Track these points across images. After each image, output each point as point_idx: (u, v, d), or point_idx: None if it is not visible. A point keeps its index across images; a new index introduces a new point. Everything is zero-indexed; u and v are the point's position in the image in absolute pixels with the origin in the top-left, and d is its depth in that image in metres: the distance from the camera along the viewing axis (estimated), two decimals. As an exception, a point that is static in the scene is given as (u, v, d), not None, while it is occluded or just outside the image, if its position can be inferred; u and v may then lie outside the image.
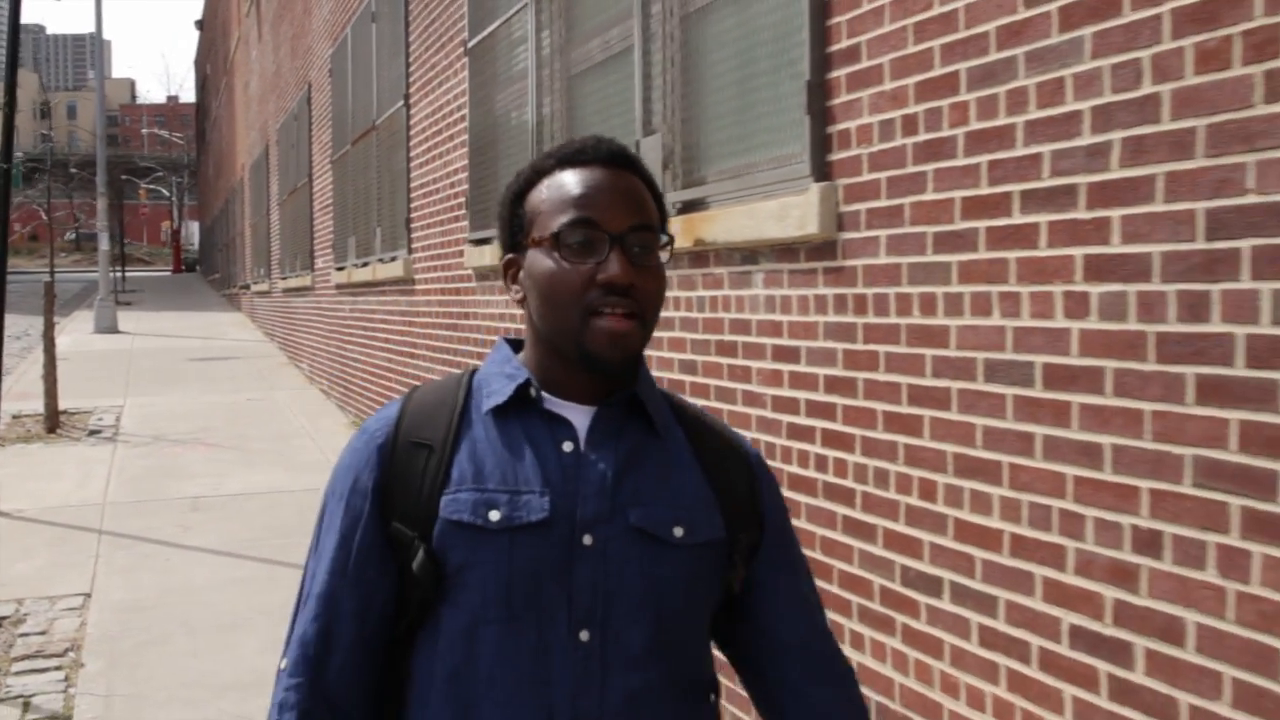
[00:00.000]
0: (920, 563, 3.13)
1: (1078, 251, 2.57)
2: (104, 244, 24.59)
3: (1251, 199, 2.17)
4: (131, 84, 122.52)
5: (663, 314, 1.53)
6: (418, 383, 6.23)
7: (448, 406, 1.60)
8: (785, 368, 3.73)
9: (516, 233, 1.60)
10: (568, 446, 1.55)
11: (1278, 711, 2.16)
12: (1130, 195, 2.43)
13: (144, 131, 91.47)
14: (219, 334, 22.97)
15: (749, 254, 3.92)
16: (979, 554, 2.91)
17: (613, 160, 1.58)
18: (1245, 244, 2.19)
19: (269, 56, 20.56)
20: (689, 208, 4.42)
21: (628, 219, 1.52)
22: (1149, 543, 2.42)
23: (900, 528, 3.20)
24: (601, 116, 5.38)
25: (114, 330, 22.61)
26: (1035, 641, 2.74)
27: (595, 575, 1.51)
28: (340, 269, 12.65)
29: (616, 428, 1.58)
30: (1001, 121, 2.78)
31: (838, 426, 3.47)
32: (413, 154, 9.11)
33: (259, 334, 22.68)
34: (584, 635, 1.50)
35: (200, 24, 45.04)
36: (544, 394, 1.58)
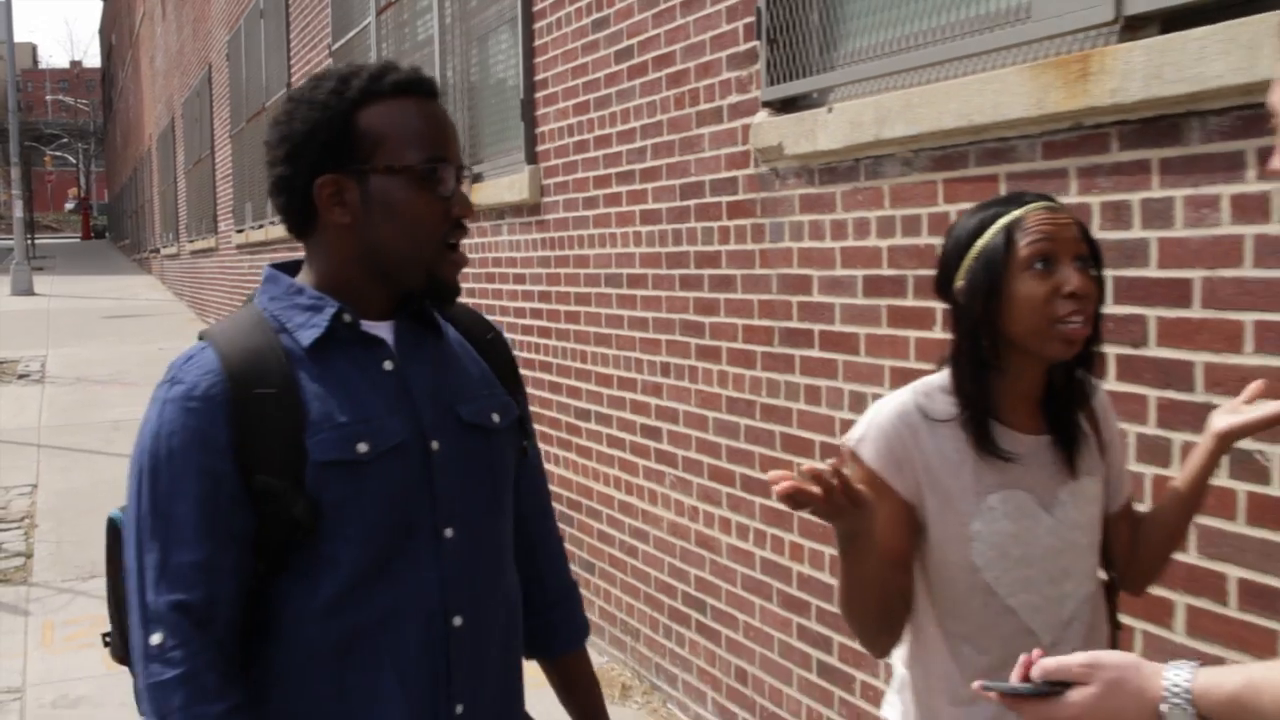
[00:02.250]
0: (580, 401, 5.05)
1: (638, 208, 4.49)
2: (19, 211, 25.89)
3: (692, 179, 4.10)
4: (33, 48, 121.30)
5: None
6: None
7: (270, 349, 1.57)
8: (519, 288, 5.63)
9: (344, 152, 1.57)
10: (388, 365, 1.62)
11: (684, 442, 4.10)
12: (657, 175, 4.35)
13: (48, 98, 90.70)
14: (131, 295, 24.44)
15: (499, 213, 5.81)
16: (602, 390, 4.84)
17: (434, 93, 1.63)
18: (691, 203, 4.11)
19: (173, 35, 22.02)
20: (475, 180, 6.28)
21: (458, 155, 1.61)
22: (665, 370, 4.36)
23: (572, 381, 5.13)
24: (422, 111, 7.22)
25: (30, 293, 23.94)
26: (607, 432, 4.68)
27: (451, 476, 1.62)
28: (240, 231, 14.35)
29: (417, 337, 1.67)
30: (607, 131, 4.69)
31: (544, 323, 5.38)
32: (295, 133, 10.87)
33: (169, 294, 24.19)
34: (448, 533, 1.61)
35: (105, -6, 45.74)
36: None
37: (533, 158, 5.37)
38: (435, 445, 1.61)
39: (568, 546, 2.77)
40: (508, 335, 2.06)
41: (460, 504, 1.63)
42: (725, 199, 3.91)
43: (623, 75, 4.55)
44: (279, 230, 11.50)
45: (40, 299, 23.13)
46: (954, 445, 1.82)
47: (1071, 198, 2.56)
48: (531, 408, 1.93)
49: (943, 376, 1.86)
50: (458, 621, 1.61)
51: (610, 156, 4.67)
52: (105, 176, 61.66)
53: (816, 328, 3.49)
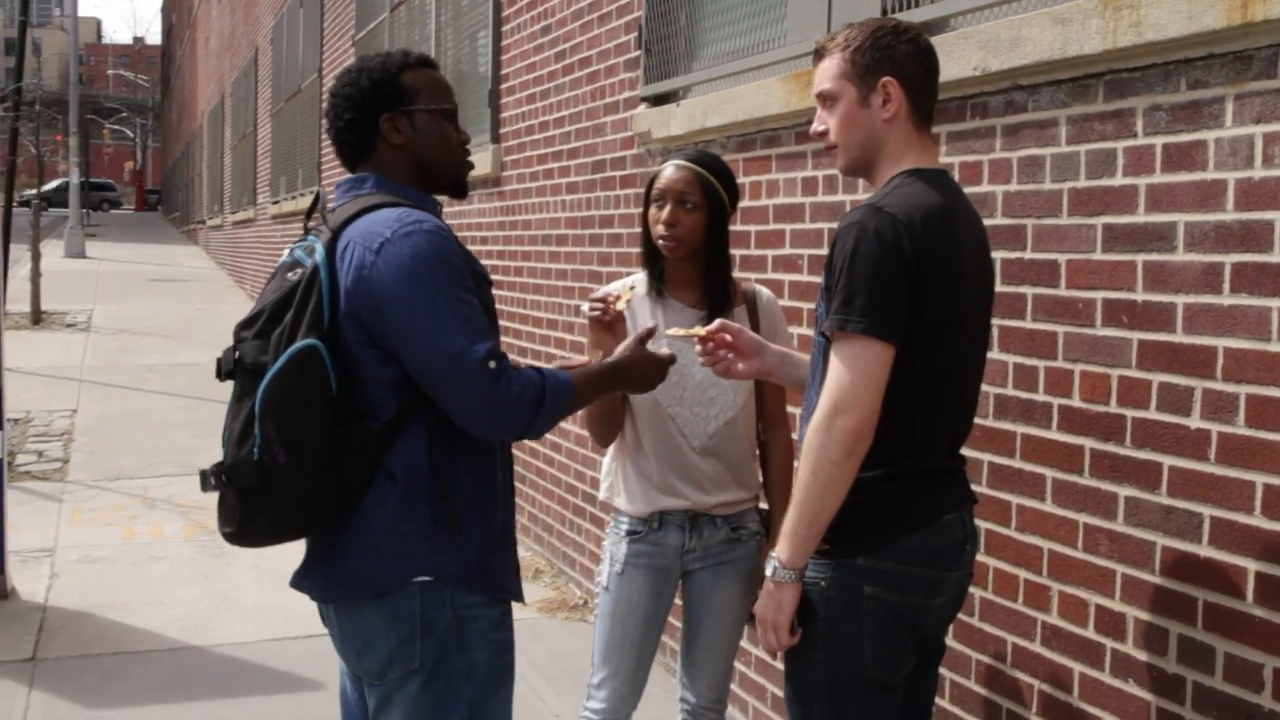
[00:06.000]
0: (520, 341, 6.10)
1: (564, 180, 5.53)
2: (75, 178, 27.27)
3: (599, 158, 5.13)
4: (98, 23, 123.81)
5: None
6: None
7: None
8: (485, 248, 6.70)
9: (397, 98, 2.23)
10: None
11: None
12: (577, 154, 5.39)
13: (110, 73, 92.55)
14: (176, 262, 25.75)
15: (471, 185, 6.86)
16: (535, 330, 5.88)
17: (438, 67, 2.38)
18: (597, 176, 5.15)
19: (226, 18, 23.28)
20: (456, 157, 7.36)
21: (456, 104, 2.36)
22: (576, 311, 5.40)
23: (515, 325, 6.18)
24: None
25: (82, 256, 25.26)
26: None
27: None
28: (275, 203, 15.52)
29: None
30: (546, 119, 5.74)
31: (498, 277, 6.44)
32: (323, 114, 12.00)
33: (211, 263, 25.47)
34: None
35: (168, -26, 47.23)
36: None
37: (497, 138, 6.43)
38: None
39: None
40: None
41: None
42: (619, 173, 4.95)
43: (559, 73, 5.60)
44: (306, 201, 12.63)
45: (91, 262, 24.44)
46: (649, 308, 2.87)
47: (809, 172, 3.60)
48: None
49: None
50: None
51: (548, 139, 5.73)
52: (160, 151, 63.31)
53: (670, 273, 4.52)
